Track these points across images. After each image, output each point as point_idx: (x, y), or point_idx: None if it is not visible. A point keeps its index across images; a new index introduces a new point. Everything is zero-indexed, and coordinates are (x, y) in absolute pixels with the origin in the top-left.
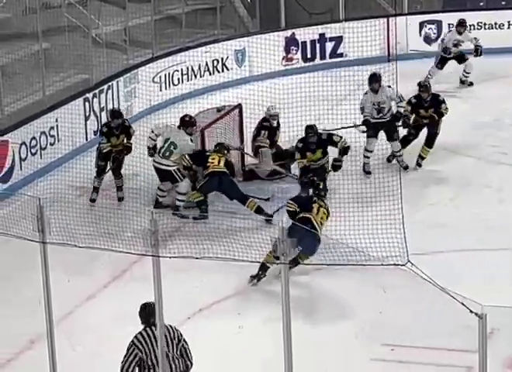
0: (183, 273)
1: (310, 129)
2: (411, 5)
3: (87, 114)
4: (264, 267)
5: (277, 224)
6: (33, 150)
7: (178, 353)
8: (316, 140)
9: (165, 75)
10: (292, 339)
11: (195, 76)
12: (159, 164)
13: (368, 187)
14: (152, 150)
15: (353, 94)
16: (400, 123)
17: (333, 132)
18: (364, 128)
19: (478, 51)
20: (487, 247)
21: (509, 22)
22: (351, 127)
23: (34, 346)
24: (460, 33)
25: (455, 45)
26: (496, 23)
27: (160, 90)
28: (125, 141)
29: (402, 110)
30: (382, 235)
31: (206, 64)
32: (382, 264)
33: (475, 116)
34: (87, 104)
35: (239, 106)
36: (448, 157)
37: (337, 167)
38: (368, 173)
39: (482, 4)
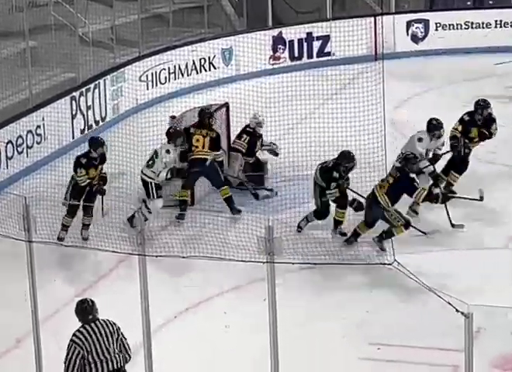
0: (170, 272)
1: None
2: (398, 4)
3: (73, 113)
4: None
5: (264, 223)
6: (20, 149)
7: (118, 347)
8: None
9: (152, 74)
10: (278, 338)
11: (182, 75)
12: (143, 175)
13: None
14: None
15: (339, 93)
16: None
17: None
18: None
19: None
20: (476, 247)
21: (496, 21)
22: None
23: (20, 344)
24: None
25: None
26: (483, 22)
27: (147, 88)
28: (102, 171)
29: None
30: (369, 235)
31: (193, 63)
32: (369, 263)
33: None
34: (73, 102)
35: (226, 105)
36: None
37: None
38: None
39: (469, 3)
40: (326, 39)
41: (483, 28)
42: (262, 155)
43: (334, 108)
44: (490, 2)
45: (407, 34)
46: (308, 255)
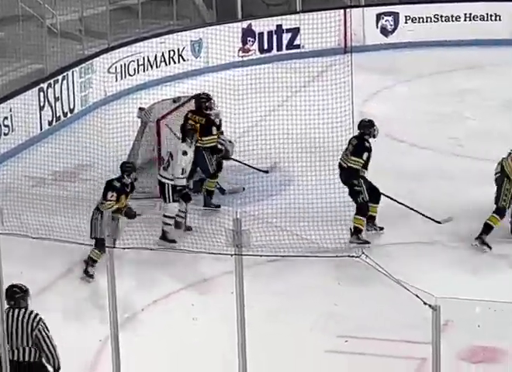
0: (138, 265)
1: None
2: None
3: (41, 104)
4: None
5: (232, 215)
6: None
7: (30, 341)
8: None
9: (121, 66)
10: (246, 330)
11: (151, 67)
12: (160, 177)
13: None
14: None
15: (308, 86)
16: None
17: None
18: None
19: None
20: (442, 240)
21: (465, 14)
22: None
23: None
24: None
25: None
26: (452, 16)
27: (116, 80)
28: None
29: None
30: (337, 228)
31: (162, 55)
32: (337, 256)
33: (435, 107)
34: (41, 94)
35: (195, 97)
36: (405, 149)
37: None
38: None
39: None
40: (295, 31)
41: (453, 21)
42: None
43: (303, 101)
44: None
45: (377, 27)
46: (276, 247)
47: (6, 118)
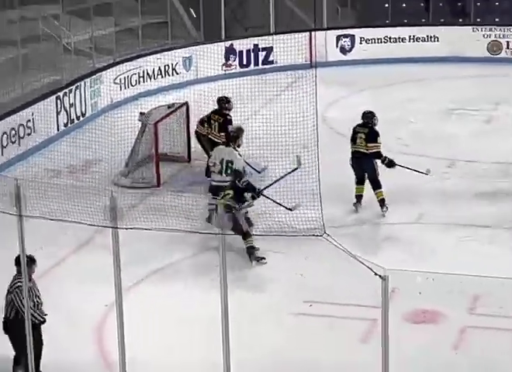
0: (139, 242)
1: None
2: (330, 21)
3: (58, 109)
4: None
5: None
6: (13, 139)
7: (9, 300)
8: None
9: (124, 77)
10: (228, 295)
11: (150, 78)
12: (221, 182)
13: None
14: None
15: (280, 95)
16: None
17: None
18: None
19: None
20: (391, 222)
21: (409, 36)
22: None
23: None
24: None
25: None
26: (399, 37)
27: (120, 89)
28: None
29: None
30: (303, 211)
31: (159, 69)
32: (304, 235)
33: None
34: (58, 101)
35: (186, 104)
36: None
37: None
38: None
39: (387, 21)
40: (269, 49)
41: (399, 42)
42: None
43: (277, 107)
44: (405, 21)
45: (337, 46)
46: (255, 228)
47: (29, 120)
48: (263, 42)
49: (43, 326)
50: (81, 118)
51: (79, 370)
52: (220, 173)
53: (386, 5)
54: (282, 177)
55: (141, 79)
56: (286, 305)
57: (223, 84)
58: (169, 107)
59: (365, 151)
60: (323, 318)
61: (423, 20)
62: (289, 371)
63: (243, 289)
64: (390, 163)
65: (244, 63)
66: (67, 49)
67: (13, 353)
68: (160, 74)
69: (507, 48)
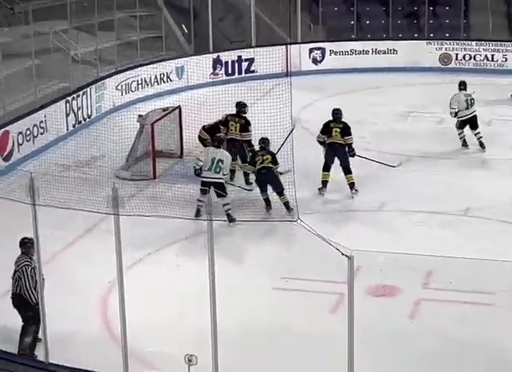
0: (138, 227)
1: None
2: (303, 36)
3: (67, 112)
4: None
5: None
6: (28, 138)
7: (17, 277)
8: None
9: (125, 84)
10: (216, 273)
11: (147, 85)
12: (211, 178)
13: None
14: (199, 170)
15: (260, 100)
16: None
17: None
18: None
19: None
20: (357, 208)
21: (372, 49)
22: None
23: None
24: None
25: None
26: (363, 50)
27: (122, 95)
28: None
29: None
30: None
31: (155, 77)
32: (280, 220)
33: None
34: (67, 104)
35: (178, 107)
36: None
37: None
38: None
39: (353, 36)
40: (251, 60)
41: (363, 54)
42: None
43: (257, 110)
44: (368, 36)
45: (309, 58)
46: (237, 214)
47: (42, 121)
48: (246, 54)
49: (52, 299)
50: (87, 120)
51: (86, 339)
52: (210, 170)
53: (352, 23)
54: (285, 141)
55: (139, 86)
56: (266, 281)
57: (210, 90)
58: (164, 110)
59: (342, 142)
60: (298, 292)
61: (384, 35)
62: (266, 337)
63: (228, 265)
64: (353, 154)
65: (229, 72)
66: (74, 59)
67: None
68: (156, 81)
69: (456, 59)
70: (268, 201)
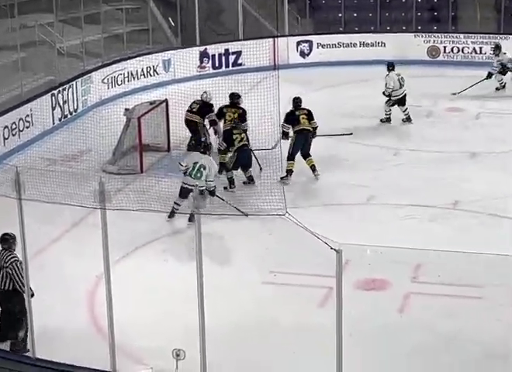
0: (125, 221)
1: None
2: (291, 29)
3: (53, 105)
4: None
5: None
6: (13, 132)
7: (5, 274)
8: None
9: (112, 78)
10: (203, 267)
11: (134, 78)
12: (189, 185)
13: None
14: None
15: (247, 93)
16: None
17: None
18: None
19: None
20: (345, 202)
21: (360, 42)
22: None
23: None
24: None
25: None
26: (351, 43)
27: (108, 88)
28: None
29: None
30: (266, 193)
31: (142, 70)
32: (268, 214)
33: (337, 108)
34: (53, 98)
35: (165, 101)
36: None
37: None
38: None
39: (341, 29)
40: (238, 53)
41: (351, 47)
42: None
43: (245, 103)
44: (356, 29)
45: (297, 51)
46: (226, 209)
47: (28, 115)
48: (233, 47)
49: (39, 294)
50: (74, 114)
51: (73, 334)
52: (190, 175)
53: (340, 15)
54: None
55: (126, 79)
56: (254, 275)
57: (197, 83)
58: (151, 103)
59: (310, 128)
60: (286, 286)
61: (372, 28)
62: (255, 331)
63: (216, 260)
64: (315, 136)
65: (217, 65)
66: (60, 53)
67: None
68: (143, 74)
69: (444, 52)
70: (251, 178)
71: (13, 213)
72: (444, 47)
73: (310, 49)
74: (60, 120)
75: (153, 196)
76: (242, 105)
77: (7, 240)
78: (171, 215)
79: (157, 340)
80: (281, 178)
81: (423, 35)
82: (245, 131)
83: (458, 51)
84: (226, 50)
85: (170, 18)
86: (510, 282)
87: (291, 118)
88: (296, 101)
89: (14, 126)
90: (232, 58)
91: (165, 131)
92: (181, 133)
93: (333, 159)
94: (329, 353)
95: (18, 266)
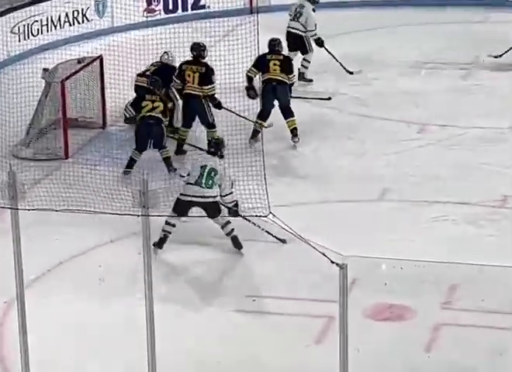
0: (43, 226)
1: None
2: None
3: None
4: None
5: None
6: None
7: None
8: None
9: (24, 26)
10: (153, 290)
11: (55, 27)
12: (197, 197)
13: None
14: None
15: (214, 46)
16: None
17: None
18: None
19: None
20: (351, 199)
21: None
22: None
23: None
24: None
25: None
26: None
27: (19, 41)
28: None
29: None
30: (244, 188)
31: (66, 15)
32: (246, 216)
33: (338, 67)
34: None
35: (99, 58)
36: (309, 109)
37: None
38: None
39: None
40: None
41: None
42: None
43: (210, 60)
44: None
45: None
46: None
47: None
48: None
49: None
50: None
51: None
52: (199, 184)
53: None
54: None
55: (44, 28)
56: (225, 300)
57: (144, 33)
58: (79, 62)
59: (282, 79)
60: (269, 315)
61: None
62: None
63: (170, 279)
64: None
65: (170, 7)
66: None
67: None
68: (68, 21)
69: None
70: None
71: None
72: None
73: None
74: None
75: (82, 191)
76: (208, 63)
77: None
78: (160, 243)
79: None
80: (249, 140)
81: None
82: (211, 96)
83: None
84: None
85: None
86: None
87: (260, 63)
88: (273, 44)
89: None
90: None
91: (99, 100)
92: (120, 103)
93: (332, 138)
94: None
95: None
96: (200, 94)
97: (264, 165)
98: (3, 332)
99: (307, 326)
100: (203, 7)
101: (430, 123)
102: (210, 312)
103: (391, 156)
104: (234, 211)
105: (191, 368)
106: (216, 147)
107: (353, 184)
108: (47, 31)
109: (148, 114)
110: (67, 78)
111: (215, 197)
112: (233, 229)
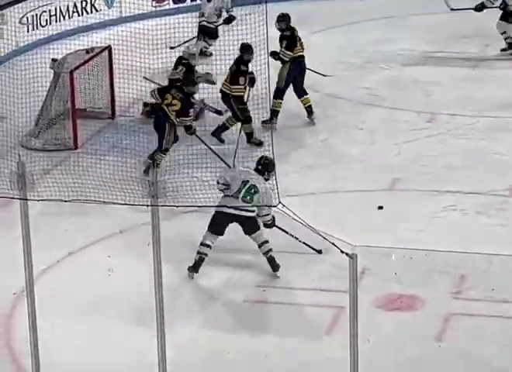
0: (52, 216)
1: None
2: None
3: None
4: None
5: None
6: None
7: None
8: None
9: (33, 16)
10: (163, 282)
11: (64, 17)
12: (240, 211)
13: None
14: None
15: (224, 35)
16: None
17: None
18: None
19: None
20: (361, 188)
21: None
22: None
23: None
24: None
25: None
26: None
27: (28, 31)
28: None
29: None
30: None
31: (75, 5)
32: (254, 205)
33: (349, 58)
34: None
35: (108, 48)
36: (320, 99)
37: None
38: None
39: None
40: None
41: None
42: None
43: (219, 50)
44: None
45: None
46: (193, 198)
47: None
48: None
49: None
50: None
51: None
52: (237, 196)
53: None
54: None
55: (53, 18)
56: (234, 291)
57: (153, 23)
58: (88, 52)
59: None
60: (279, 306)
61: None
62: (236, 368)
63: (180, 271)
64: None
65: None
66: None
67: None
68: (77, 11)
69: None
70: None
71: None
72: None
73: None
74: None
75: (92, 181)
76: (214, 54)
77: None
78: (196, 267)
79: None
80: (266, 122)
81: None
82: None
83: None
84: None
85: None
86: None
87: (286, 39)
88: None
89: None
90: None
91: (108, 90)
92: (130, 93)
93: (342, 127)
94: None
95: None
96: (229, 92)
97: (273, 154)
98: (13, 323)
99: (318, 316)
100: None
101: (440, 112)
102: (219, 301)
103: (401, 145)
104: (270, 224)
105: (199, 358)
106: (263, 167)
107: (363, 174)
108: (56, 21)
109: (162, 106)
110: (75, 68)
111: (253, 211)
112: (270, 249)
